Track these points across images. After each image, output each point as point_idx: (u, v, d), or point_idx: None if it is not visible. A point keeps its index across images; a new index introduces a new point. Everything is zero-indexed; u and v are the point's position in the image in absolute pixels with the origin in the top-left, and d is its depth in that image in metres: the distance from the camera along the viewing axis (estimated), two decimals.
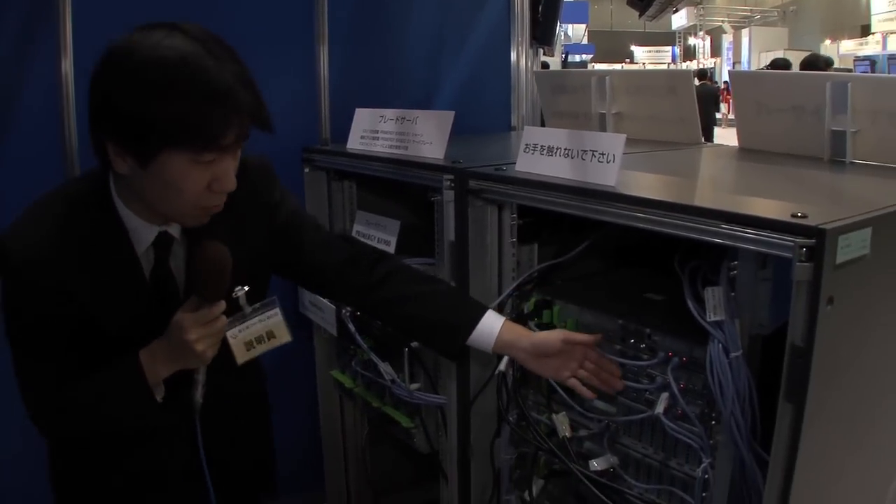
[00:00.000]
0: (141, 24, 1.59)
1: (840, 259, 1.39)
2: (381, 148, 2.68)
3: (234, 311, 1.79)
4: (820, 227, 1.37)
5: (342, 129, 2.89)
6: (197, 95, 1.52)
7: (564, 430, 2.10)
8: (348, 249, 2.13)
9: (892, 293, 1.63)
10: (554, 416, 2.13)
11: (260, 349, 1.86)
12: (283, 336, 1.88)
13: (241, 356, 1.84)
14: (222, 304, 1.72)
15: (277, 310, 1.86)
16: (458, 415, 2.38)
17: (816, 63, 7.40)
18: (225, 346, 1.80)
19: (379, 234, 2.74)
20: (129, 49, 1.53)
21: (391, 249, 2.66)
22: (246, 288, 1.78)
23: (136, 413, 1.78)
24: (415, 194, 2.52)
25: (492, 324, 2.03)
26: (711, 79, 14.16)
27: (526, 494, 2.29)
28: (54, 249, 1.65)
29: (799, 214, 1.44)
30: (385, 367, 2.65)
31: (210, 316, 1.70)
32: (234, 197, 1.72)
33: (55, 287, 1.65)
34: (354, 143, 2.80)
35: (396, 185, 2.64)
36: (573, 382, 2.00)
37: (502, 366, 2.19)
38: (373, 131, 2.71)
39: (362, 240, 2.77)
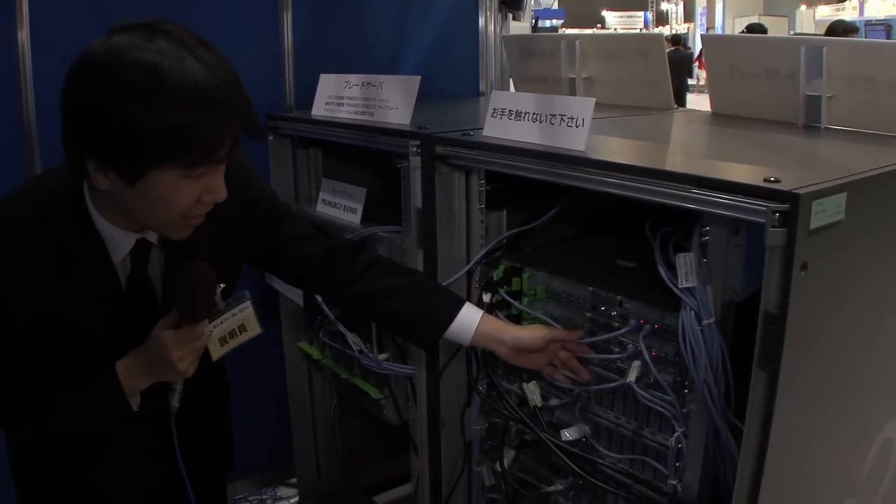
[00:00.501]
0: (117, 22, 1.49)
1: (814, 224, 1.37)
2: (346, 114, 2.63)
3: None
4: (793, 191, 1.34)
5: (307, 96, 2.84)
6: (190, 107, 1.43)
7: (535, 399, 2.08)
8: (326, 243, 2.10)
9: (867, 260, 1.62)
10: (525, 385, 2.11)
11: (233, 343, 1.85)
12: (254, 329, 1.87)
13: (216, 352, 1.82)
14: (205, 322, 1.70)
15: (248, 303, 1.84)
16: (428, 385, 2.35)
17: (836, 29, 7.35)
18: None
19: (345, 202, 2.70)
20: (110, 56, 1.42)
21: (357, 217, 2.63)
22: (222, 285, 1.74)
23: (111, 423, 1.77)
24: (381, 161, 2.48)
25: (470, 317, 2.03)
26: (685, 45, 14.16)
27: (497, 465, 2.28)
28: (27, 261, 1.58)
29: (772, 179, 1.41)
30: (353, 338, 2.62)
31: (193, 335, 1.67)
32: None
33: (28, 298, 1.60)
34: (319, 110, 2.75)
35: (362, 153, 2.60)
36: (550, 370, 2.02)
37: None
38: (338, 97, 2.67)
39: (328, 208, 2.74)
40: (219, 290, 1.73)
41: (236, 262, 1.92)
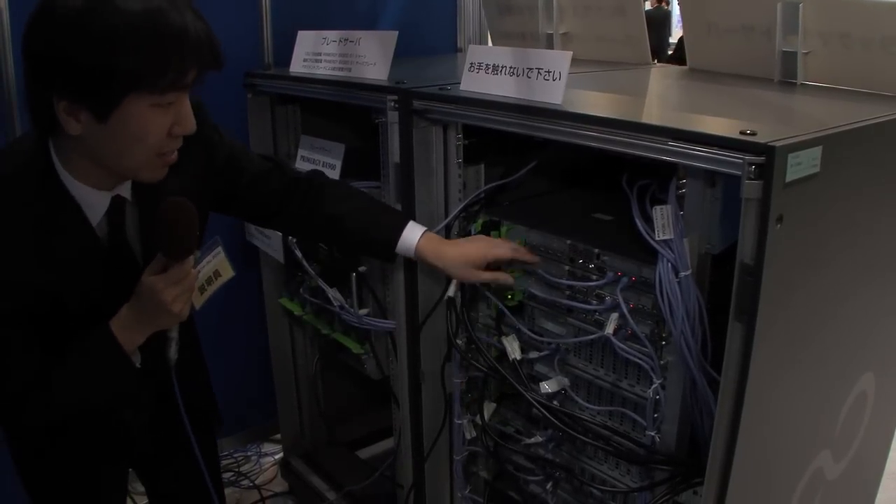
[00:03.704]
0: None
1: (790, 177, 1.38)
2: (324, 70, 2.62)
3: None
4: (769, 143, 1.35)
5: (286, 53, 2.83)
6: (157, 35, 1.45)
7: (514, 352, 2.09)
8: (284, 178, 2.13)
9: (842, 213, 1.64)
10: (503, 338, 2.12)
11: (211, 290, 1.86)
12: (228, 272, 1.88)
13: (198, 301, 1.83)
14: (191, 260, 1.69)
15: (220, 248, 1.84)
16: (408, 340, 2.37)
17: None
18: None
19: (324, 158, 2.69)
20: None
21: (336, 173, 2.63)
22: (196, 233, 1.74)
23: (119, 385, 1.76)
24: (359, 117, 2.48)
25: (413, 233, 2.11)
26: (666, 1, 14.04)
27: (478, 418, 2.29)
28: (7, 238, 1.57)
29: (748, 132, 1.42)
30: (333, 293, 2.63)
31: (182, 273, 1.67)
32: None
33: (14, 276, 1.58)
34: (297, 67, 2.73)
35: (341, 109, 2.59)
36: (490, 276, 2.10)
37: (451, 291, 2.18)
38: (315, 54, 2.65)
39: (307, 164, 2.75)
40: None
41: (205, 209, 1.90)
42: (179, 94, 1.55)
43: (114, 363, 1.70)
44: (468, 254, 2.07)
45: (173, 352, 1.79)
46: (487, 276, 2.08)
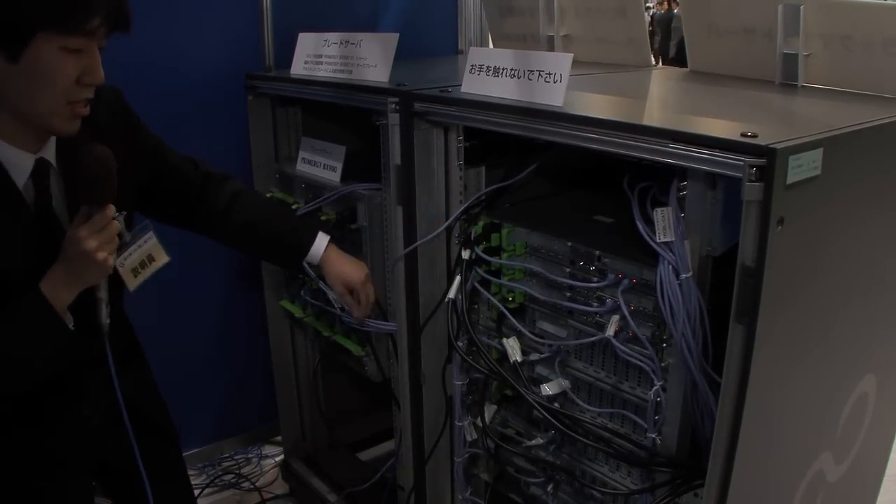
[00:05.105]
0: None
1: (791, 179, 1.38)
2: (324, 72, 2.62)
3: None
4: (770, 146, 1.35)
5: (286, 55, 2.83)
6: None
7: (515, 354, 2.09)
8: (198, 171, 2.22)
9: (843, 215, 1.63)
10: (504, 340, 2.12)
11: (145, 273, 1.89)
12: (162, 258, 1.92)
13: (132, 283, 1.86)
14: (112, 208, 1.71)
15: (152, 233, 1.89)
16: (409, 342, 2.36)
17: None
18: (114, 277, 1.81)
19: (325, 160, 2.69)
20: None
21: (337, 175, 2.63)
22: (123, 213, 1.77)
23: (53, 347, 1.74)
24: (360, 119, 2.48)
25: (319, 245, 2.35)
26: (676, 4, 14.02)
27: (479, 420, 2.29)
28: None
29: (749, 134, 1.42)
30: (334, 295, 2.63)
31: (105, 220, 1.70)
32: (97, 120, 1.78)
33: None
34: (298, 69, 2.74)
35: (342, 111, 2.58)
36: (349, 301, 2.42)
37: (452, 293, 2.17)
38: (316, 56, 2.66)
39: (308, 167, 2.75)
40: (121, 216, 1.76)
41: (130, 185, 1.91)
42: (88, 41, 1.61)
43: (45, 323, 1.69)
44: (348, 273, 2.38)
45: (104, 315, 1.80)
46: (348, 298, 2.42)
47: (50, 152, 1.75)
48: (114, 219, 1.72)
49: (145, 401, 2.11)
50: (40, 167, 1.73)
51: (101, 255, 1.68)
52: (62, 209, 1.79)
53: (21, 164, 1.70)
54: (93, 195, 1.69)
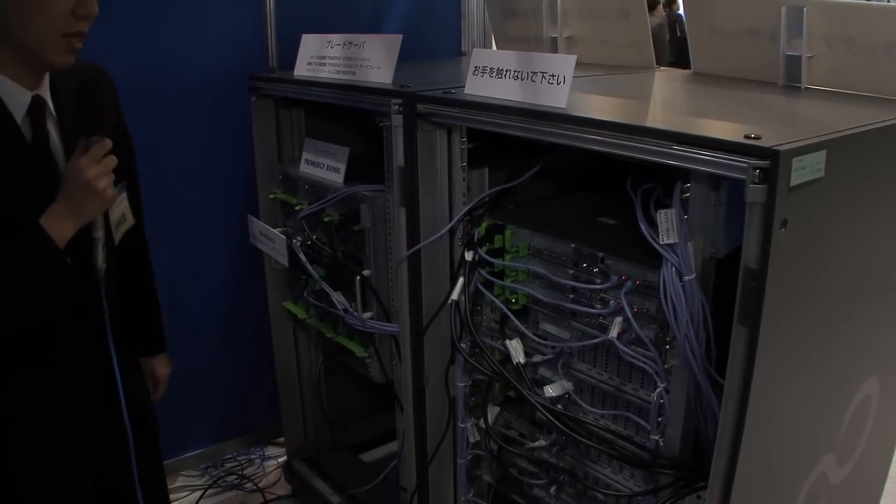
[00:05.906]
0: None
1: (794, 181, 1.37)
2: (328, 74, 2.62)
3: None
4: (774, 148, 1.35)
5: (290, 56, 2.83)
6: None
7: (518, 356, 2.09)
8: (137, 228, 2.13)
9: (847, 217, 1.63)
10: (507, 342, 2.12)
11: (121, 230, 1.92)
12: (130, 220, 1.95)
13: (113, 235, 1.89)
14: (109, 141, 1.74)
15: (125, 194, 1.91)
16: (412, 343, 2.36)
17: None
18: (106, 221, 1.84)
19: (328, 162, 2.70)
20: None
21: (340, 177, 2.63)
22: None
23: (53, 282, 1.73)
24: (364, 120, 2.48)
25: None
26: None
27: (482, 422, 2.29)
28: None
29: (753, 136, 1.42)
30: (337, 297, 2.64)
31: (103, 149, 1.73)
32: (88, 85, 1.80)
33: None
34: (301, 70, 2.74)
35: (345, 112, 2.59)
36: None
37: (455, 294, 2.17)
38: (320, 57, 2.66)
39: (312, 168, 2.76)
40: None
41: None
42: None
43: (45, 257, 1.68)
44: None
45: (101, 259, 1.82)
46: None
47: (45, 91, 1.77)
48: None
49: (136, 391, 2.10)
50: (37, 103, 1.74)
51: (101, 184, 1.71)
52: (58, 148, 1.80)
53: (19, 100, 1.71)
54: (91, 125, 1.73)
